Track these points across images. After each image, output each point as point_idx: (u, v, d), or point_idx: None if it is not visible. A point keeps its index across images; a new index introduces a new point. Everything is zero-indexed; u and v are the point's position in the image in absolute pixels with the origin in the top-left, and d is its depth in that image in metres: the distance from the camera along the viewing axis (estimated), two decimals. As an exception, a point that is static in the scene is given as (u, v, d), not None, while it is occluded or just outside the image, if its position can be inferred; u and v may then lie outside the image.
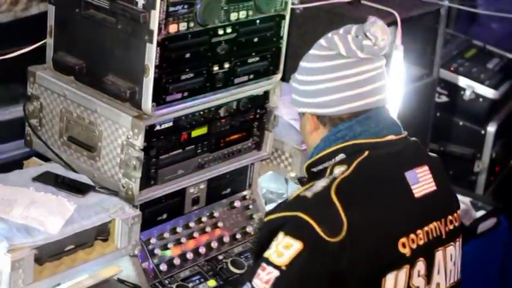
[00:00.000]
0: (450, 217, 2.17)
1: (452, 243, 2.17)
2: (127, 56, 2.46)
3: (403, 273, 2.02)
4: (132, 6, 2.39)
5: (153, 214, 2.66)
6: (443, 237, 2.12)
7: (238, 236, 2.86)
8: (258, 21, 2.67)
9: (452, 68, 4.39)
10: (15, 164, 2.75)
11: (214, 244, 2.78)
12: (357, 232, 1.93)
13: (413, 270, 2.04)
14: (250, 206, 2.96)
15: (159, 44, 2.39)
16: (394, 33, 3.39)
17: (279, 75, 2.81)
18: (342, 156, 2.08)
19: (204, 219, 2.82)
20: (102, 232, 2.43)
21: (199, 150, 2.68)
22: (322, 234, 1.91)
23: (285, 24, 2.76)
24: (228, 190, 2.92)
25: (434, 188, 2.12)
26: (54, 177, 2.53)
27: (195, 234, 2.77)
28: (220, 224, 2.84)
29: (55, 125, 2.67)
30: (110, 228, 2.44)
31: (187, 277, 2.65)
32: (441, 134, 4.33)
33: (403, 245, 2.02)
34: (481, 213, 3.71)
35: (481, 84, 4.35)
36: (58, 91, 2.64)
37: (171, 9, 2.39)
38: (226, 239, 2.82)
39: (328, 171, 2.07)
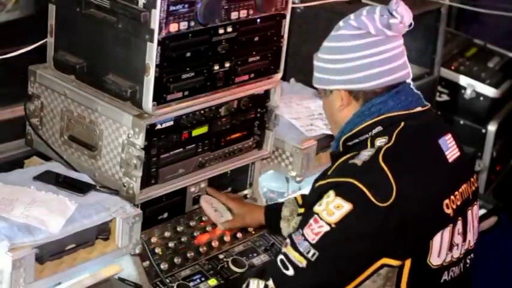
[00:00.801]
0: (472, 179, 2.33)
1: (475, 202, 2.34)
2: (128, 55, 2.46)
3: (447, 232, 2.19)
4: (133, 5, 2.39)
5: (154, 213, 2.67)
6: (470, 197, 2.29)
7: (238, 235, 2.86)
8: (258, 20, 2.67)
9: (453, 67, 4.39)
10: (16, 163, 2.75)
11: (215, 243, 2.78)
12: (405, 196, 2.08)
13: (455, 228, 2.21)
14: (251, 205, 2.96)
15: (159, 43, 2.39)
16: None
17: (279, 74, 2.81)
18: (379, 128, 2.22)
19: (204, 218, 2.82)
20: (103, 231, 2.43)
21: (200, 149, 2.68)
22: (372, 199, 2.07)
23: (286, 23, 2.76)
24: (229, 189, 2.92)
25: (459, 153, 2.29)
26: (55, 177, 2.53)
27: (196, 233, 2.77)
28: (221, 223, 2.85)
29: (56, 124, 2.68)
30: (111, 227, 2.44)
31: (188, 276, 2.65)
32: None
33: (447, 206, 2.18)
34: (481, 212, 3.70)
35: (482, 83, 4.35)
36: (59, 90, 2.64)
37: (172, 8, 2.39)
38: (227, 238, 2.81)
39: (369, 143, 2.20)
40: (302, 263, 2.11)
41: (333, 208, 2.09)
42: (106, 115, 2.53)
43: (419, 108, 2.28)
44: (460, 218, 2.24)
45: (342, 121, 2.30)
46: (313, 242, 2.09)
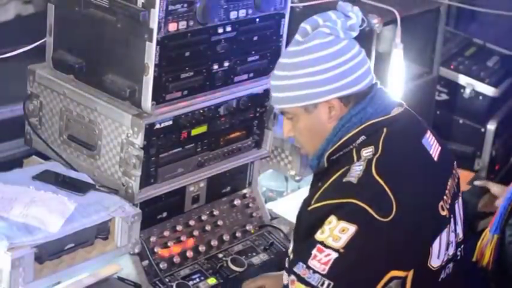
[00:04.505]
0: (454, 171, 2.31)
1: (460, 194, 2.32)
2: (127, 54, 2.46)
3: (445, 233, 2.17)
4: (132, 4, 2.39)
5: (153, 212, 2.67)
6: (456, 190, 2.28)
7: (238, 234, 2.86)
8: (257, 19, 2.68)
9: (452, 66, 4.38)
10: (15, 162, 2.75)
11: (214, 242, 2.78)
12: (405, 207, 2.05)
13: (449, 227, 2.20)
14: (250, 205, 2.96)
15: (158, 43, 2.39)
16: (394, 31, 3.39)
17: (278, 74, 2.81)
18: (363, 138, 2.17)
19: (204, 217, 2.82)
20: (102, 230, 2.43)
21: (199, 149, 2.68)
22: (376, 216, 2.03)
23: (285, 22, 2.76)
24: (228, 188, 2.92)
25: (440, 148, 2.27)
26: (54, 176, 2.53)
27: (195, 233, 2.77)
28: (220, 223, 2.85)
29: (55, 123, 2.68)
30: (110, 226, 2.44)
31: (188, 275, 2.66)
32: (441, 132, 4.29)
33: (442, 208, 2.16)
34: (480, 211, 3.70)
35: (481, 82, 4.34)
36: (58, 90, 2.64)
37: (171, 7, 2.39)
38: (226, 237, 2.82)
39: (355, 154, 2.15)
40: None
41: (338, 233, 2.02)
42: (105, 114, 2.53)
43: (396, 109, 2.23)
44: (452, 216, 2.23)
45: (324, 136, 2.22)
46: (325, 272, 2.02)
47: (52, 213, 2.30)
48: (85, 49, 2.58)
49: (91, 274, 2.45)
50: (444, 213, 2.17)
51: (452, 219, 2.22)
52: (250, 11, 2.63)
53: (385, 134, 2.16)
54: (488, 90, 4.33)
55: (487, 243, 2.65)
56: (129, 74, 2.47)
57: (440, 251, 2.17)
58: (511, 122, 4.60)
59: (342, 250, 2.02)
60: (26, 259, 2.20)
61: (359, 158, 2.13)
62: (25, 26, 2.94)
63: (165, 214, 2.71)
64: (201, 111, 2.64)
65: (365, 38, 3.30)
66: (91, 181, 2.55)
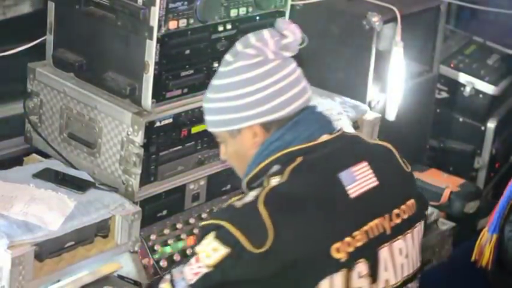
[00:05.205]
0: (396, 210, 2.09)
1: (400, 236, 2.10)
2: (127, 52, 2.46)
3: (338, 278, 1.98)
4: (132, 2, 2.39)
5: (153, 210, 2.66)
6: (388, 233, 2.06)
7: (238, 232, 2.86)
8: (257, 17, 2.68)
9: (452, 64, 4.38)
10: (15, 160, 2.75)
11: (214, 240, 2.78)
12: (283, 242, 1.93)
13: (351, 273, 2.00)
14: (250, 203, 2.96)
15: (158, 41, 2.39)
16: (394, 29, 3.39)
17: (278, 72, 2.81)
18: (277, 167, 2.06)
19: (204, 215, 2.82)
20: (102, 228, 2.43)
21: (199, 147, 2.68)
22: (246, 244, 1.93)
23: (285, 20, 2.76)
24: (228, 186, 2.92)
25: (376, 183, 2.07)
26: (54, 174, 2.54)
27: (195, 231, 2.77)
28: (220, 221, 2.84)
29: (55, 121, 2.68)
30: (110, 224, 2.44)
31: (188, 273, 2.65)
32: (441, 130, 4.32)
33: (337, 250, 1.98)
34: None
35: (481, 80, 4.34)
36: (58, 88, 2.64)
37: (171, 5, 2.39)
38: (226, 236, 2.82)
39: (265, 183, 2.05)
40: None
41: (211, 250, 1.97)
42: (105, 112, 2.53)
43: (325, 137, 2.08)
44: (361, 260, 2.01)
45: (247, 163, 2.14)
46: (191, 282, 1.98)
47: (52, 211, 2.31)
48: (85, 47, 2.58)
49: (91, 272, 2.45)
50: (339, 256, 1.97)
51: (361, 264, 2.01)
52: (250, 9, 2.63)
53: (297, 163, 2.03)
54: (489, 88, 4.34)
55: (485, 242, 2.62)
56: (129, 72, 2.47)
57: None
58: (511, 120, 4.60)
59: (211, 268, 1.96)
60: (26, 257, 2.20)
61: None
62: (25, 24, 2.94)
63: (165, 212, 2.71)
64: (201, 109, 2.63)
65: (365, 36, 3.31)
66: (91, 179, 2.55)
